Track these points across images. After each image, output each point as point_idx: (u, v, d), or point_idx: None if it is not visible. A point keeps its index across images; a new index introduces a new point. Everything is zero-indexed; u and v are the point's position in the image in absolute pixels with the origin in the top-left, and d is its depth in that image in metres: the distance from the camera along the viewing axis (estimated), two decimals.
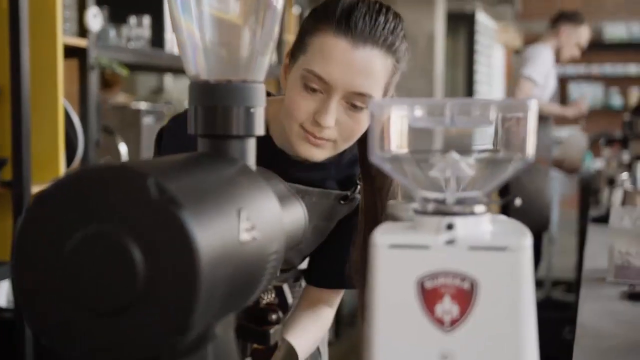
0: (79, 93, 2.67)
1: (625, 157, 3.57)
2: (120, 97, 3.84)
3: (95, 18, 2.62)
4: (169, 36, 3.13)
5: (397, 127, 0.64)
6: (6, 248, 2.38)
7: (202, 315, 0.51)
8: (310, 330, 1.32)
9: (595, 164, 4.96)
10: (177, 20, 0.64)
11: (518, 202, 3.92)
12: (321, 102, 1.13)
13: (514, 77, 4.46)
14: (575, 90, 8.40)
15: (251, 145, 0.66)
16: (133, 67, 3.21)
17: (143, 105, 3.06)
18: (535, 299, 0.61)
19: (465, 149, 0.64)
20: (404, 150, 0.64)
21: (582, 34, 4.38)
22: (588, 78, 8.45)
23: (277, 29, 0.67)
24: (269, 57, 0.66)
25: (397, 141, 0.64)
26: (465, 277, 0.60)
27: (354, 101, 1.13)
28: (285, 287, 0.78)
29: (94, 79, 2.66)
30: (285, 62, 1.20)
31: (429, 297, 0.60)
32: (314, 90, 1.13)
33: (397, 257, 0.60)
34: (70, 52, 2.57)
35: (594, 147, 5.33)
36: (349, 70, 1.11)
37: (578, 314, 1.51)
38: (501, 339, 0.60)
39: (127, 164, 0.52)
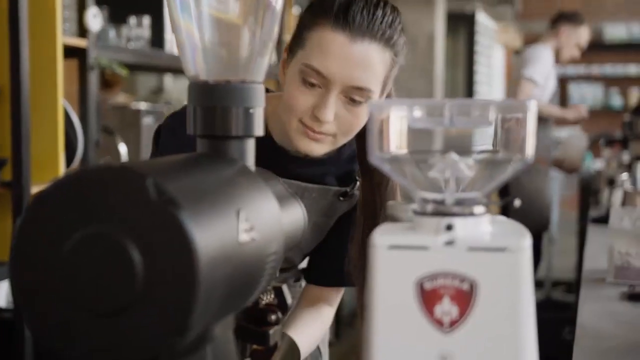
0: (78, 93, 2.67)
1: (625, 157, 3.56)
2: (120, 98, 3.84)
3: (95, 18, 2.62)
4: (169, 36, 3.12)
5: (397, 127, 0.64)
6: (6, 248, 2.38)
7: (201, 316, 0.51)
8: (310, 327, 1.32)
9: (595, 165, 4.96)
10: (176, 21, 0.64)
11: (517, 203, 3.92)
12: (320, 97, 1.13)
13: (514, 78, 4.45)
14: (575, 90, 8.40)
15: (250, 145, 0.66)
16: (133, 67, 3.21)
17: (143, 106, 3.06)
18: (534, 300, 0.61)
19: (464, 150, 0.64)
20: (403, 150, 0.64)
21: (582, 35, 4.38)
22: (588, 78, 8.45)
23: (276, 29, 0.66)
24: (268, 58, 0.66)
25: (397, 142, 0.64)
26: (465, 278, 0.60)
27: (353, 95, 1.13)
28: (285, 288, 0.78)
29: (93, 79, 2.66)
30: (284, 57, 1.20)
31: (428, 298, 0.60)
32: (312, 85, 1.13)
33: (397, 258, 0.60)
34: (70, 52, 2.57)
35: (594, 148, 5.33)
36: (347, 65, 1.11)
37: (578, 315, 1.51)
38: (501, 340, 0.60)
39: (127, 165, 0.52)
